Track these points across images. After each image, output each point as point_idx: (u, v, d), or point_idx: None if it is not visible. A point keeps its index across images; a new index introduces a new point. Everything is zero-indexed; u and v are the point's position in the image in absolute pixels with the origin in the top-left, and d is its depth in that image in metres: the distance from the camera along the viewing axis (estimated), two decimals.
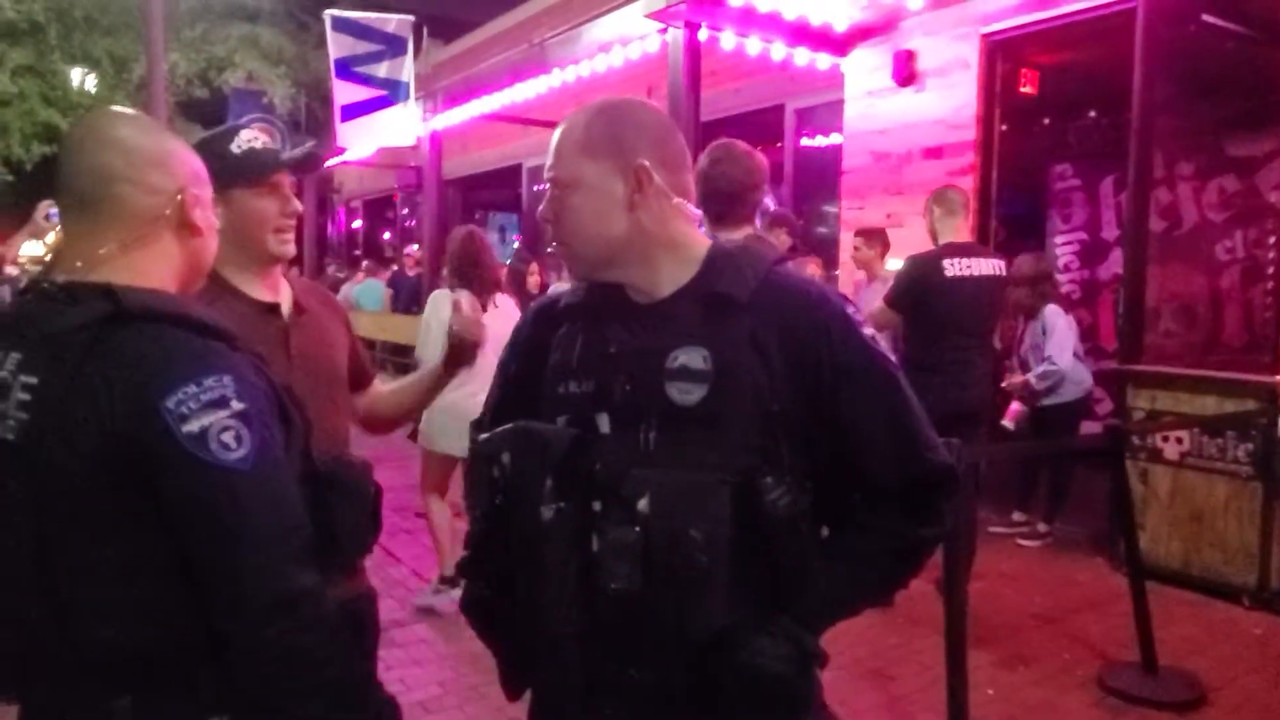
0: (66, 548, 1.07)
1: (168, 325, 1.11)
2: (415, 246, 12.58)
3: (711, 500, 1.15)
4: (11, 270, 5.08)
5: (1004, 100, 5.70)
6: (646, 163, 1.23)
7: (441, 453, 4.08)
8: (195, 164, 1.27)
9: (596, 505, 1.20)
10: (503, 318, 3.79)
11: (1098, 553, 4.73)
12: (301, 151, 1.73)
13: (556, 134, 1.28)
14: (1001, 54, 5.57)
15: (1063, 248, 7.34)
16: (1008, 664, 3.50)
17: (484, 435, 1.30)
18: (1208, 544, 4.18)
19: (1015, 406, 5.12)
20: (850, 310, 1.27)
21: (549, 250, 10.98)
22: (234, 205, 1.65)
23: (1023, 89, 5.96)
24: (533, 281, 7.19)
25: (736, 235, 2.57)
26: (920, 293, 3.94)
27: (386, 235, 16.66)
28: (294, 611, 1.08)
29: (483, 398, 1.47)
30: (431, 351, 3.67)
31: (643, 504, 1.16)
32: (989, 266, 4.05)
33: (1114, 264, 6.77)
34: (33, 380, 1.07)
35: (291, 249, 1.73)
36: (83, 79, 13.24)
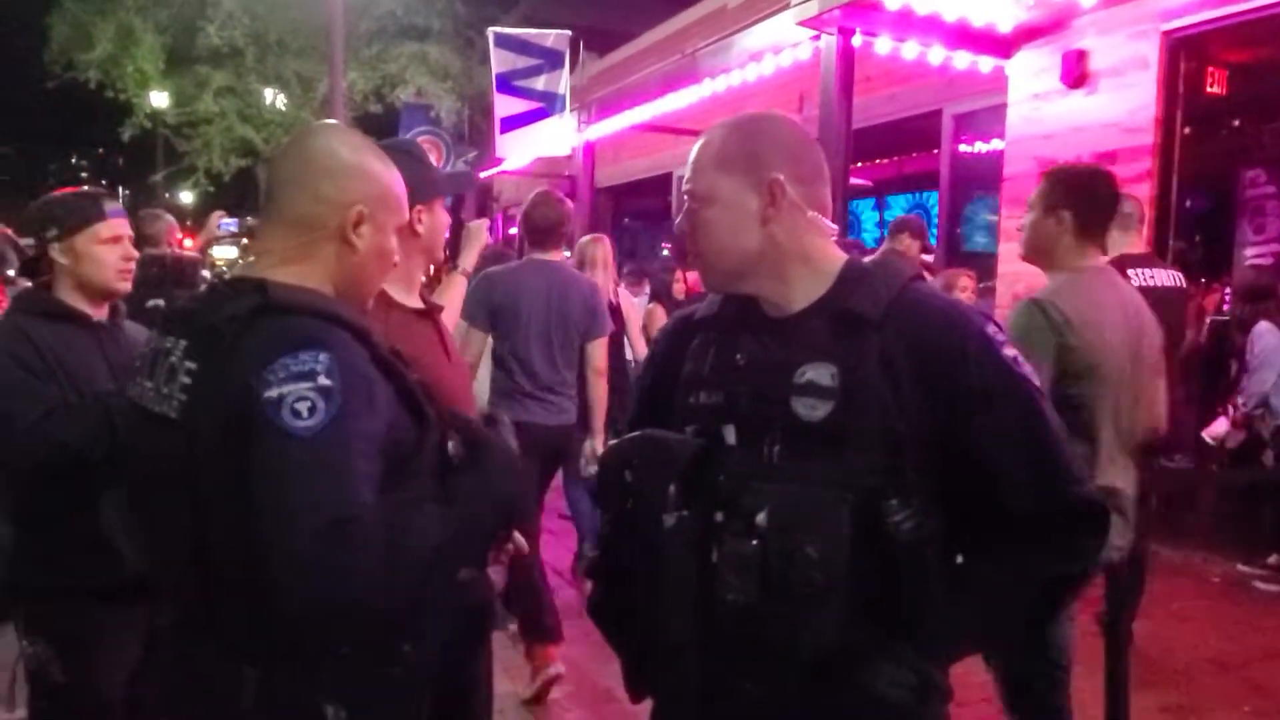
0: (213, 518, 1.15)
1: (304, 317, 1.18)
2: (567, 252, 12.94)
3: (830, 518, 1.13)
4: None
5: (1187, 101, 5.27)
6: (781, 177, 1.24)
7: None
8: (383, 186, 1.32)
9: (718, 516, 1.21)
10: None
11: None
12: (449, 178, 1.88)
13: (695, 148, 1.31)
14: (1185, 52, 5.16)
15: (1254, 260, 6.71)
16: (1176, 712, 3.23)
17: (613, 442, 1.34)
18: None
19: (1220, 422, 4.74)
20: (990, 330, 1.22)
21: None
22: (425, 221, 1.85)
23: (1210, 89, 5.50)
24: (678, 289, 7.24)
25: (553, 256, 3.67)
26: None
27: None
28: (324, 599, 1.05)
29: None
30: None
31: (761, 517, 1.16)
32: (1168, 278, 3.80)
33: None
34: (193, 365, 1.19)
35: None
36: (274, 98, 14.43)
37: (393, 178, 1.34)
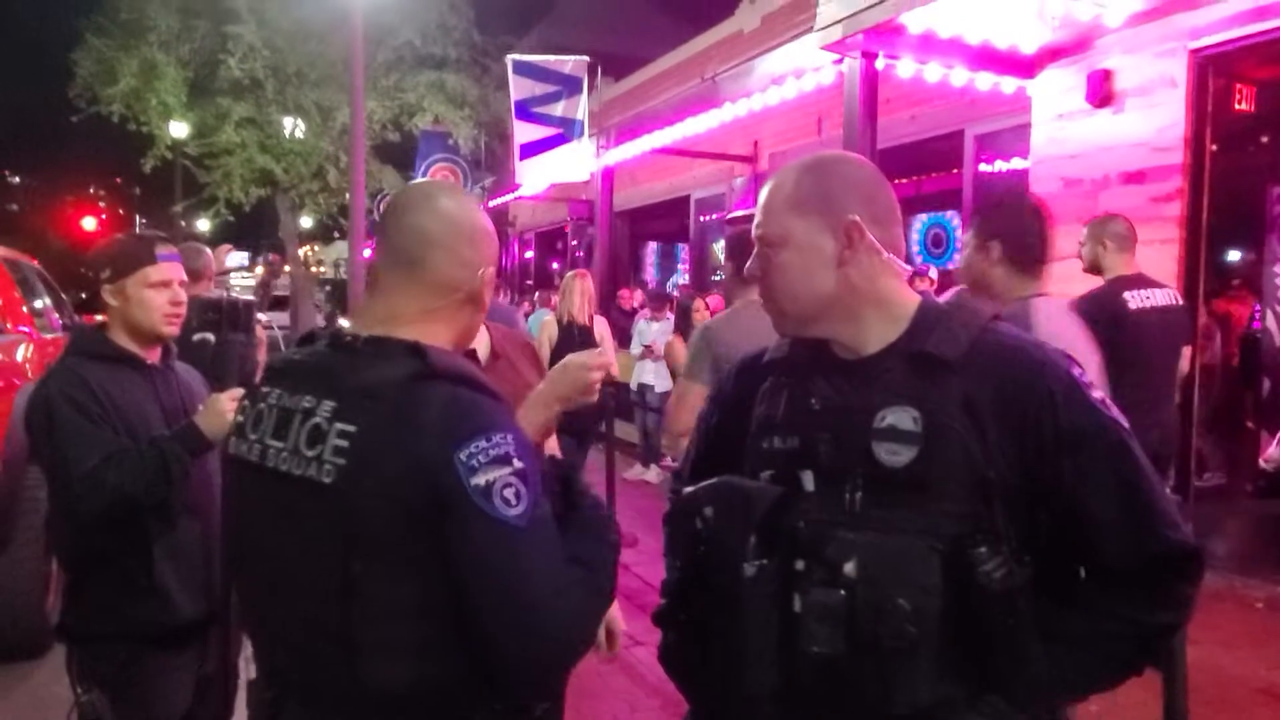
0: (369, 587, 1.13)
1: (463, 385, 1.18)
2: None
3: (922, 568, 1.11)
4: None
5: (1216, 119, 5.24)
6: (857, 218, 1.22)
7: None
8: (496, 243, 1.37)
9: (799, 564, 1.18)
10: None
11: None
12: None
13: (764, 191, 1.29)
14: (1214, 70, 5.14)
15: None
16: None
17: (687, 489, 1.31)
18: None
19: (1274, 445, 4.69)
20: (1076, 372, 1.20)
21: (714, 280, 11.05)
22: None
23: (1238, 106, 5.46)
24: (698, 317, 7.26)
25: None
26: (1109, 330, 3.72)
27: (555, 265, 17.29)
28: (557, 665, 1.20)
29: None
30: None
31: (849, 567, 1.14)
32: (1166, 297, 3.85)
33: None
34: (350, 428, 1.14)
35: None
36: (293, 127, 14.59)
37: (494, 232, 1.38)
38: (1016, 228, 2.39)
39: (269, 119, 14.21)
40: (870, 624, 1.11)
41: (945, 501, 1.13)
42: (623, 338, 8.78)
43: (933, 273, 6.85)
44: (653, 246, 15.12)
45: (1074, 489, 1.15)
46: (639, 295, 10.31)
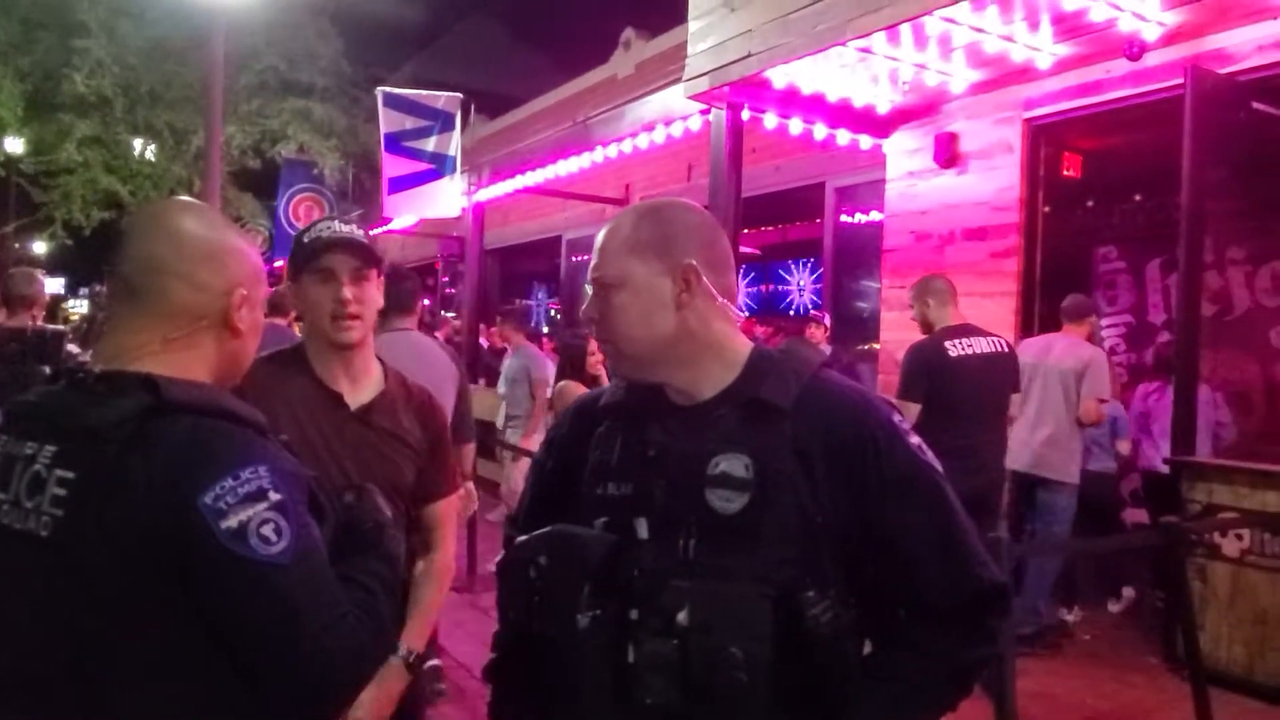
0: (102, 645, 1.04)
1: (206, 417, 1.09)
2: (452, 315, 12.74)
3: (753, 616, 1.11)
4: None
5: (1047, 183, 5.67)
6: (694, 262, 1.22)
7: None
8: (254, 263, 1.25)
9: (634, 614, 1.16)
10: None
11: (1150, 651, 4.50)
12: (332, 234, 1.73)
13: (602, 233, 1.28)
14: (1045, 138, 5.57)
15: (1108, 330, 7.20)
16: None
17: (520, 538, 1.26)
18: (1273, 648, 3.95)
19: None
20: (896, 419, 1.24)
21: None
22: (300, 292, 1.75)
23: (1066, 172, 5.94)
24: (593, 362, 6.66)
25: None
26: (930, 377, 3.99)
27: (426, 303, 16.93)
28: (340, 698, 1.14)
29: None
30: None
31: (682, 616, 1.13)
32: (989, 344, 4.13)
33: (1161, 348, 6.62)
34: (70, 475, 1.05)
35: (350, 336, 1.72)
36: (143, 148, 13.78)
37: (254, 251, 1.28)
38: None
39: (116, 138, 13.38)
40: (703, 673, 1.10)
41: (776, 547, 1.14)
42: (491, 375, 8.63)
43: (826, 320, 7.02)
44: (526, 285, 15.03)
45: (895, 531, 1.18)
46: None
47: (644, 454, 1.23)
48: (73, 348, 3.77)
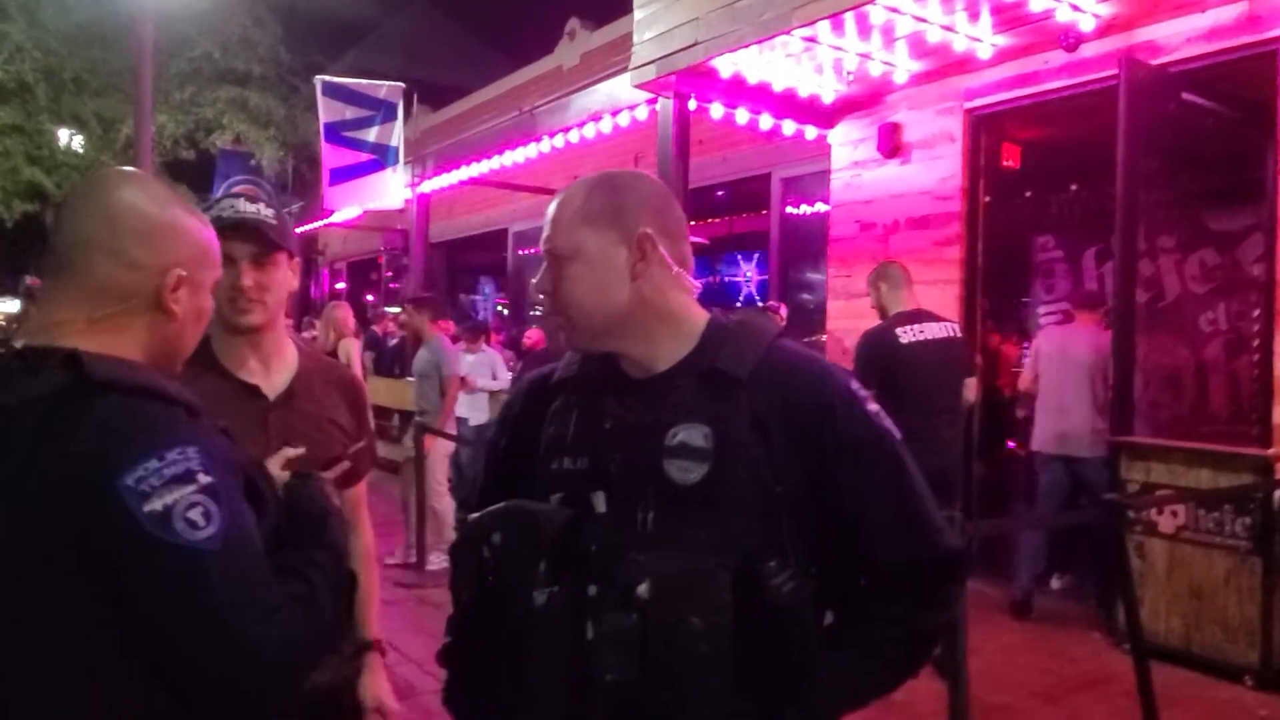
0: (4, 637, 0.97)
1: (130, 396, 1.02)
2: (397, 309, 12.52)
3: (713, 587, 1.09)
4: None
5: (988, 173, 5.77)
6: (650, 231, 1.20)
7: None
8: (200, 244, 1.17)
9: (591, 590, 1.13)
10: None
11: (1094, 626, 4.63)
12: (230, 216, 1.60)
13: (553, 204, 1.24)
14: (985, 128, 5.67)
15: (1046, 317, 7.39)
16: None
17: (473, 515, 1.22)
18: (1208, 621, 4.08)
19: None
20: (854, 385, 1.23)
21: (534, 314, 10.97)
22: None
23: (1006, 163, 6.06)
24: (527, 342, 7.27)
25: None
26: (882, 363, 4.02)
27: (370, 297, 16.63)
28: (272, 696, 1.05)
29: None
30: None
31: (641, 589, 1.10)
32: (941, 330, 4.19)
33: None
34: None
35: (250, 319, 1.62)
36: (69, 139, 13.26)
37: (206, 231, 1.19)
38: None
39: (39, 128, 12.84)
40: (663, 646, 1.08)
41: (736, 518, 1.12)
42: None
43: (782, 310, 7.02)
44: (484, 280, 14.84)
45: (852, 497, 1.17)
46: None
47: (600, 427, 1.20)
48: None
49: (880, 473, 1.19)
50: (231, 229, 1.57)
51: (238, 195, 1.67)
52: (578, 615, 1.12)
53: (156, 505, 0.96)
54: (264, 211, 1.64)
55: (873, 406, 1.22)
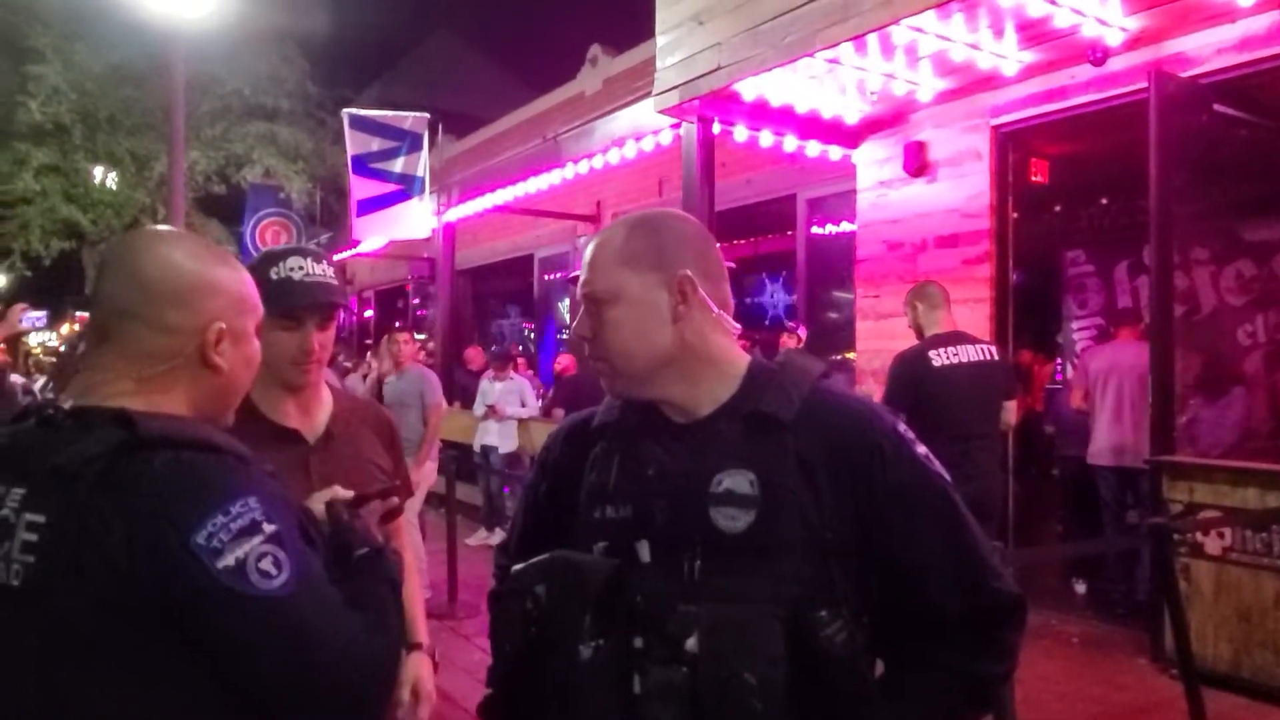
0: (77, 700, 0.97)
1: (184, 450, 1.03)
2: (424, 336, 12.61)
3: (765, 639, 1.06)
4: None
5: (1016, 189, 5.72)
6: (690, 273, 1.18)
7: None
8: (236, 293, 1.18)
9: (638, 642, 1.11)
10: None
11: (1138, 652, 4.51)
12: (302, 280, 1.62)
13: (591, 246, 1.23)
14: (1012, 145, 5.62)
15: (1079, 332, 7.28)
16: None
17: (516, 566, 1.21)
18: (1258, 644, 3.97)
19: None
20: (901, 428, 1.20)
21: (560, 338, 10.99)
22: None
23: (1034, 178, 6.00)
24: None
25: None
26: (913, 387, 3.96)
27: (397, 324, 16.76)
28: (375, 706, 1.12)
29: None
30: None
31: (691, 643, 1.08)
32: (977, 352, 4.09)
33: None
34: (40, 519, 0.98)
35: (312, 379, 1.67)
36: (104, 176, 13.52)
37: (240, 277, 1.20)
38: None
39: (75, 167, 13.12)
40: (715, 701, 1.05)
41: (785, 565, 1.10)
42: (468, 398, 8.55)
43: (801, 331, 6.99)
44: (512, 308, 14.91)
45: (904, 543, 1.14)
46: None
47: (643, 474, 1.18)
48: (16, 378, 3.60)
49: (933, 517, 1.16)
50: (307, 292, 1.60)
51: (305, 254, 1.67)
52: (625, 669, 1.10)
53: (229, 560, 0.98)
54: (329, 273, 1.66)
55: (921, 449, 1.19)
